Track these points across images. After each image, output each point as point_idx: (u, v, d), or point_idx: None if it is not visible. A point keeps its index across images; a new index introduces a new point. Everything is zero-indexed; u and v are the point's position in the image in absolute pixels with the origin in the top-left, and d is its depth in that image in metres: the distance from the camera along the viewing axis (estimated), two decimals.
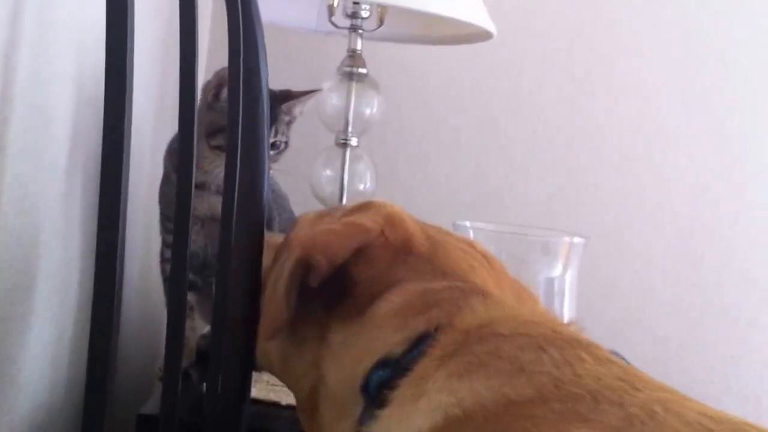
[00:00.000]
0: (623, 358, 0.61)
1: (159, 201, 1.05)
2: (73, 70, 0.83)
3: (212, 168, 1.00)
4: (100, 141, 0.87)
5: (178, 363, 0.74)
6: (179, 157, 0.77)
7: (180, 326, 0.74)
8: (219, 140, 1.00)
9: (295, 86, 1.63)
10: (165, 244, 1.04)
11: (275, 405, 0.95)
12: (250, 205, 0.77)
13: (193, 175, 0.77)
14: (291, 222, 0.88)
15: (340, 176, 1.37)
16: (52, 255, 0.82)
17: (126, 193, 0.60)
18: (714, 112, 1.67)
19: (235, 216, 0.77)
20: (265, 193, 0.79)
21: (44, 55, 0.75)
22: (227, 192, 0.78)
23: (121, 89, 0.55)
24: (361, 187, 1.39)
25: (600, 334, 1.66)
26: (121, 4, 0.58)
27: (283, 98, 1.08)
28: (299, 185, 1.45)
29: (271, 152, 1.03)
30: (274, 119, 1.05)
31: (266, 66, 0.83)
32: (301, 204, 1.37)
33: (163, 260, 1.05)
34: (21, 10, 0.68)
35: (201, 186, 1.00)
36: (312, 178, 1.39)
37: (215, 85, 1.01)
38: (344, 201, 1.37)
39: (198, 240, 1.01)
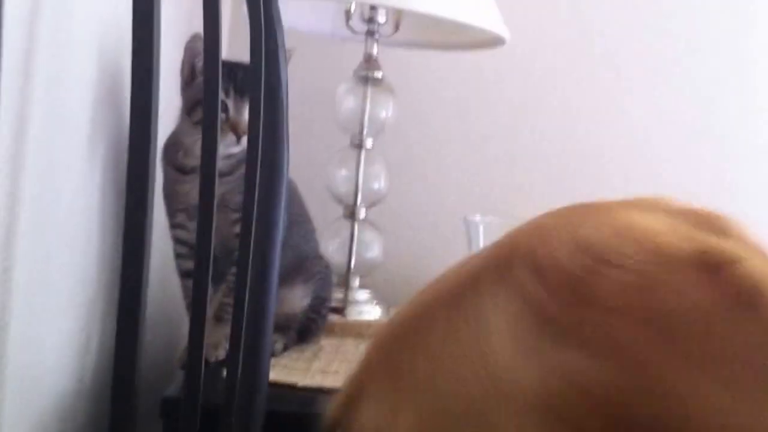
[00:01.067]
0: None
1: (163, 198, 1.05)
2: (92, 71, 0.86)
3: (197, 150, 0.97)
4: (116, 139, 0.91)
5: (200, 349, 0.77)
6: (203, 156, 0.79)
7: (201, 315, 0.78)
8: (199, 114, 0.99)
9: (313, 89, 1.68)
10: (174, 239, 1.06)
11: (291, 387, 0.99)
12: (269, 204, 0.81)
13: (216, 173, 0.79)
14: None
15: (355, 176, 1.41)
16: (73, 248, 0.85)
17: (153, 190, 0.63)
18: (713, 122, 1.71)
19: (255, 218, 0.80)
20: (284, 195, 0.82)
21: (62, 55, 0.78)
22: (247, 196, 0.80)
23: (147, 93, 0.59)
24: (376, 186, 1.43)
25: None
26: (147, 6, 0.62)
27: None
28: (315, 184, 1.50)
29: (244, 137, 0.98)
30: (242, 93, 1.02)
31: (286, 67, 0.87)
32: (317, 202, 1.42)
33: (176, 256, 1.07)
34: (39, 11, 0.70)
35: (192, 171, 1.00)
36: (327, 177, 1.44)
37: (187, 60, 1.01)
38: (359, 200, 1.41)
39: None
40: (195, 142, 0.97)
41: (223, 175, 1.00)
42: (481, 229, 1.10)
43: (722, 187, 1.71)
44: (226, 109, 1.00)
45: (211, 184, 0.71)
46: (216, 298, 1.03)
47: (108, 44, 0.88)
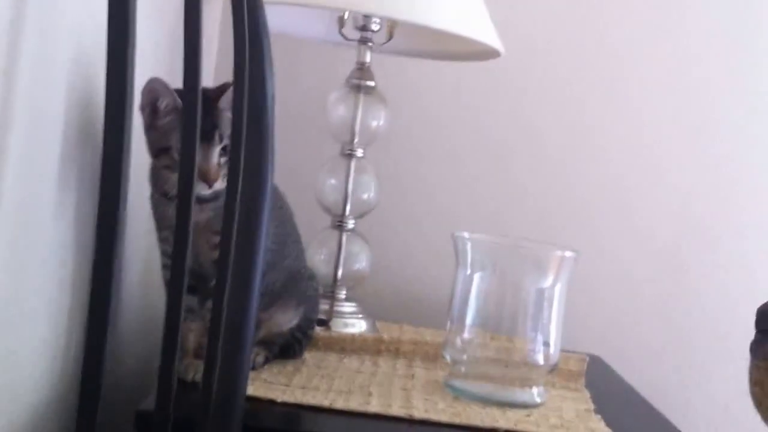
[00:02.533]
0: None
1: (152, 213, 1.04)
2: (72, 76, 0.84)
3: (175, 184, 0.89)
4: (94, 145, 0.89)
5: (173, 361, 0.75)
6: (181, 165, 0.77)
7: (175, 325, 0.76)
8: (166, 160, 0.96)
9: (303, 96, 1.66)
10: (161, 251, 1.04)
11: (271, 402, 0.96)
12: (252, 217, 0.78)
13: (193, 192, 0.76)
14: None
15: (344, 186, 1.39)
16: (49, 257, 0.84)
17: (125, 200, 0.61)
18: (702, 132, 1.70)
19: (236, 227, 0.78)
20: (267, 207, 0.80)
21: (44, 60, 0.76)
22: (228, 205, 0.78)
23: (122, 96, 0.57)
24: (365, 197, 1.41)
25: (586, 340, 1.70)
26: (122, 9, 0.59)
27: (221, 93, 0.97)
28: (303, 192, 1.48)
29: (222, 159, 0.96)
30: (216, 122, 0.97)
31: (272, 79, 0.84)
32: (305, 212, 1.40)
33: (162, 266, 1.05)
34: (22, 16, 0.69)
35: (173, 198, 0.95)
36: (316, 186, 1.41)
37: (148, 103, 0.96)
38: (347, 210, 1.39)
39: None
40: (169, 177, 0.96)
41: (207, 201, 0.98)
42: (469, 245, 1.08)
43: (707, 204, 1.70)
44: None
45: (186, 216, 0.69)
46: (202, 320, 1.01)
47: (88, 46, 0.86)
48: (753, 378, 0.74)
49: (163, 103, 0.95)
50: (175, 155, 0.95)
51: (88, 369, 0.60)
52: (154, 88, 0.95)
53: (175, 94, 0.94)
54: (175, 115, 0.95)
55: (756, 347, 0.74)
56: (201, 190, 0.97)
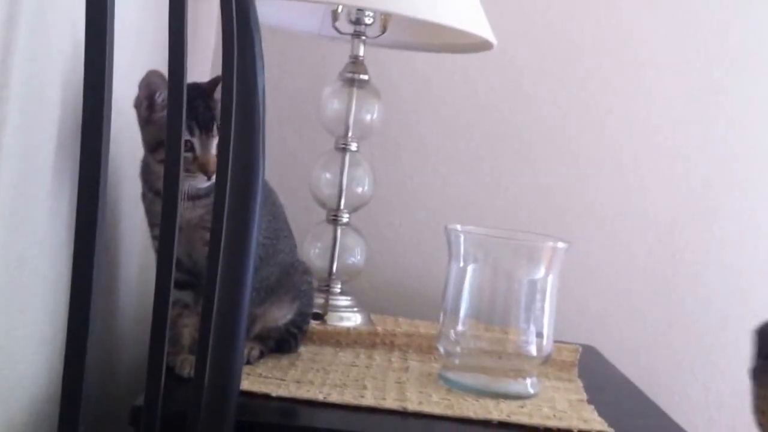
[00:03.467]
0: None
1: (144, 211, 1.04)
2: (68, 71, 0.84)
3: None
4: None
5: (162, 356, 0.76)
6: (166, 164, 0.77)
7: (163, 320, 0.76)
8: (163, 154, 0.94)
9: (297, 90, 1.67)
10: (154, 248, 1.04)
11: (266, 396, 0.97)
12: (243, 211, 0.78)
13: (180, 188, 0.76)
14: None
15: (339, 180, 1.39)
16: (45, 252, 0.84)
17: (104, 196, 0.61)
18: (697, 121, 1.70)
19: (225, 223, 0.78)
20: (258, 202, 0.80)
21: (38, 56, 0.76)
22: (218, 199, 0.78)
23: (99, 88, 0.57)
24: (359, 190, 1.41)
25: (580, 328, 1.71)
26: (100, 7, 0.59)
27: (215, 86, 0.97)
28: (298, 187, 1.48)
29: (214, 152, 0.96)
30: (214, 115, 0.96)
31: (263, 73, 0.84)
32: (300, 206, 1.40)
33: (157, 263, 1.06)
34: (18, 10, 0.69)
35: None
36: (311, 179, 1.42)
37: (145, 96, 0.96)
38: (342, 204, 1.39)
39: (178, 247, 1.00)
40: (162, 173, 0.95)
41: (199, 197, 0.98)
42: (461, 238, 1.08)
43: (702, 194, 1.70)
44: (192, 149, 0.96)
45: (173, 213, 0.69)
46: (197, 316, 1.02)
47: (83, 40, 0.86)
48: (759, 408, 0.71)
49: (160, 97, 0.95)
50: None
51: (70, 367, 0.61)
52: (152, 81, 0.95)
53: None
54: None
55: (759, 374, 0.70)
56: (199, 182, 0.97)
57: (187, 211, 0.98)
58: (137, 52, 1.06)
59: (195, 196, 0.98)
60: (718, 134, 1.70)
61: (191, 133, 0.95)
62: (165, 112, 0.95)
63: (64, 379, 0.61)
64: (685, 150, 1.70)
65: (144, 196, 1.02)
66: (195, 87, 0.96)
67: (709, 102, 1.70)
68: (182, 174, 0.95)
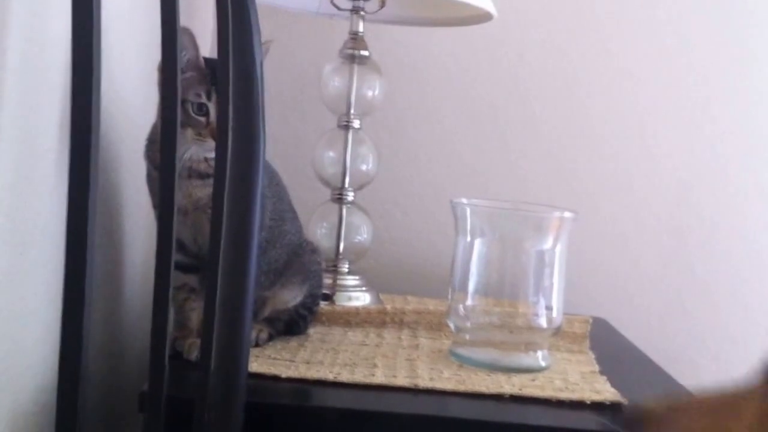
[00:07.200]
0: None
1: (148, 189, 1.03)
2: (66, 61, 0.83)
3: (180, 152, 0.89)
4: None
5: (164, 340, 0.75)
6: (161, 147, 0.75)
7: (164, 304, 0.75)
8: (181, 115, 0.93)
9: (298, 69, 1.65)
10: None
11: (275, 378, 0.96)
12: (243, 192, 0.77)
13: (176, 167, 0.75)
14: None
15: (342, 158, 1.38)
16: (48, 240, 0.83)
17: (95, 184, 0.60)
18: (702, 98, 1.68)
19: (226, 204, 0.77)
20: (260, 181, 0.79)
21: (36, 44, 0.76)
22: (218, 179, 0.77)
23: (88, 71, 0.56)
24: (364, 168, 1.40)
25: (588, 302, 1.70)
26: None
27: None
28: (302, 166, 1.47)
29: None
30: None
31: (260, 47, 0.83)
32: (304, 185, 1.39)
33: None
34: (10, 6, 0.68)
35: None
36: (314, 159, 1.41)
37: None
38: (347, 182, 1.38)
39: (184, 231, 0.98)
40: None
41: (207, 176, 0.97)
42: (468, 211, 1.07)
43: (708, 169, 1.68)
44: (206, 113, 0.95)
45: (170, 188, 0.68)
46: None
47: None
48: None
49: (185, 57, 0.94)
50: (190, 110, 0.94)
51: (66, 354, 0.60)
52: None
53: (200, 52, 0.93)
54: (196, 73, 0.94)
55: None
56: (208, 148, 0.95)
57: (196, 189, 0.97)
58: (130, 35, 1.05)
59: (204, 174, 0.97)
60: (730, 98, 1.68)
61: (208, 98, 0.94)
62: (187, 74, 0.95)
63: (60, 370, 0.61)
64: (695, 116, 1.68)
65: (149, 176, 1.01)
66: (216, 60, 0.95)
67: (721, 64, 1.68)
68: (192, 137, 0.95)
